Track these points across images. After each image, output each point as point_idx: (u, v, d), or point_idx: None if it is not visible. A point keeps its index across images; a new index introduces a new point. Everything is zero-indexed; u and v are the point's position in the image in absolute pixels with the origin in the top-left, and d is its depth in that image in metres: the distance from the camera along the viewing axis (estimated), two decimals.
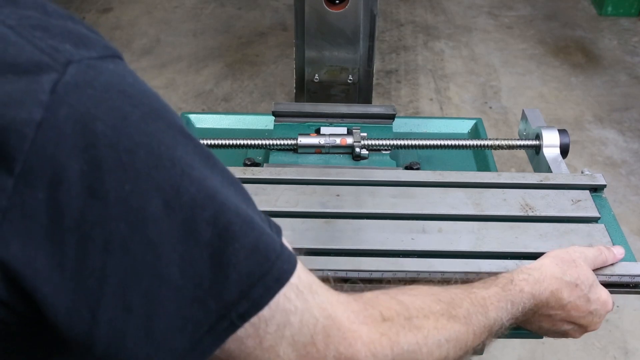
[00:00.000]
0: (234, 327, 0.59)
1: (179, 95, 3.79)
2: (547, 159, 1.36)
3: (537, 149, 1.40)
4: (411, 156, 1.62)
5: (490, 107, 3.72)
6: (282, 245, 0.64)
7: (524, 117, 1.50)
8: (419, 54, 4.21)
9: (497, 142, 1.43)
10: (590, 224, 1.18)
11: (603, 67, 4.07)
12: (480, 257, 1.09)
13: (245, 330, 0.60)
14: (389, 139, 1.41)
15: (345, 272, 1.05)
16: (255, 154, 1.47)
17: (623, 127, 3.58)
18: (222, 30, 4.48)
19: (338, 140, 1.39)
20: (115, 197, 0.54)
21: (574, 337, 1.03)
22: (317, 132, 1.44)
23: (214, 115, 1.66)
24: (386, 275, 1.05)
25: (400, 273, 1.05)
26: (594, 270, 1.03)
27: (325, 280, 1.04)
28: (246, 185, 1.15)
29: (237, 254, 0.59)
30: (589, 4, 4.74)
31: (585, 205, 1.21)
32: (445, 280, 1.03)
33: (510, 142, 1.43)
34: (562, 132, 1.39)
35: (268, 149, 1.41)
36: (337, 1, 1.45)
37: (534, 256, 1.03)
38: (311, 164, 1.38)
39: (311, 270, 0.98)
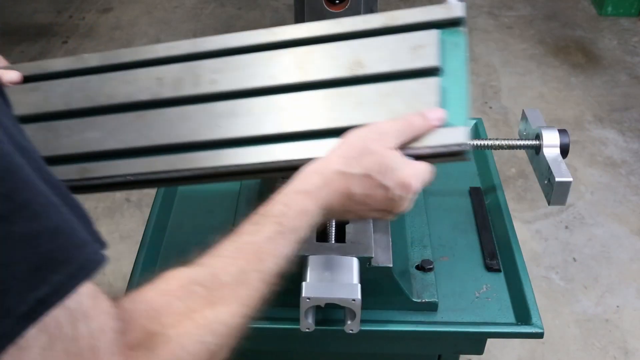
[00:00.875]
0: (34, 313, 0.56)
1: None
2: (547, 159, 1.36)
3: (537, 149, 1.40)
4: None
5: (490, 107, 3.72)
6: (93, 242, 0.61)
7: (524, 117, 1.50)
8: None
9: (497, 142, 1.42)
10: (420, 80, 0.98)
11: (603, 67, 4.06)
12: (286, 140, 0.97)
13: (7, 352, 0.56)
14: None
15: (133, 175, 0.97)
16: None
17: (623, 127, 3.58)
18: (222, 30, 4.47)
19: None
20: None
21: (387, 219, 0.98)
22: None
23: None
24: (184, 174, 0.97)
25: (197, 170, 0.97)
26: (405, 145, 0.92)
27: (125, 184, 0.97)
28: (75, 81, 1.06)
29: (37, 236, 0.56)
30: (589, 4, 4.73)
31: (426, 52, 0.99)
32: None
33: (510, 142, 1.43)
34: (562, 132, 1.39)
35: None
36: (337, 1, 1.45)
37: (339, 132, 0.93)
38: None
39: (113, 177, 0.95)
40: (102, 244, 0.63)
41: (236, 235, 0.80)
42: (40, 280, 0.56)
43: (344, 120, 0.96)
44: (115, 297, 0.67)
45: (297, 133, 0.98)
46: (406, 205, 0.94)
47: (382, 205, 0.91)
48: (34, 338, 0.56)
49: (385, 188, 0.89)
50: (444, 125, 0.94)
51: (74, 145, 1.01)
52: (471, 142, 0.95)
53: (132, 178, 0.97)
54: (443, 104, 0.96)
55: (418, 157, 0.93)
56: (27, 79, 1.09)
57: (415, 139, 0.93)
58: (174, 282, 0.73)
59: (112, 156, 0.99)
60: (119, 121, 1.03)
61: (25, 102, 0.97)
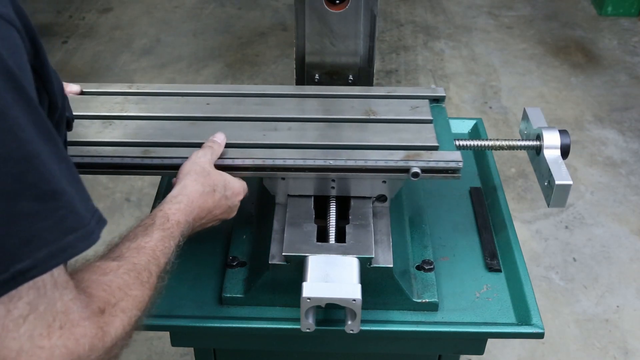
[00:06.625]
0: (12, 282, 0.67)
1: None
2: (548, 160, 1.36)
3: (538, 150, 1.40)
4: None
5: (490, 107, 3.72)
6: (87, 228, 0.74)
7: (525, 116, 1.49)
8: (419, 54, 4.21)
9: (497, 143, 1.42)
10: (421, 124, 1.36)
11: (603, 67, 4.06)
12: (319, 148, 1.28)
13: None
14: None
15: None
16: None
17: (623, 127, 3.58)
18: (222, 30, 4.47)
19: None
20: None
21: (215, 225, 1.19)
22: None
23: None
24: (237, 162, 1.23)
25: (248, 160, 1.24)
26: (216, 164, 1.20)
27: None
28: (130, 98, 1.46)
29: (33, 215, 0.68)
30: (589, 4, 4.73)
31: (422, 110, 1.40)
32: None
33: (511, 143, 1.43)
34: (562, 132, 1.39)
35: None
36: (337, 1, 1.45)
37: (365, 147, 1.28)
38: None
39: (172, 157, 1.22)
40: (98, 222, 0.76)
41: (133, 239, 0.97)
42: (24, 255, 0.68)
43: (366, 140, 1.31)
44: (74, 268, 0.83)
45: (329, 145, 1.29)
46: (235, 211, 1.21)
47: (223, 212, 1.17)
48: (25, 291, 0.69)
49: (227, 198, 1.16)
50: (441, 150, 1.29)
51: (137, 135, 1.30)
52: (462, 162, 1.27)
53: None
54: (439, 140, 1.31)
55: (425, 171, 1.24)
56: (83, 93, 1.43)
57: (415, 157, 1.25)
58: (113, 265, 0.88)
59: (172, 146, 1.28)
60: (174, 125, 1.33)
61: (93, 106, 1.36)
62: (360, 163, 1.24)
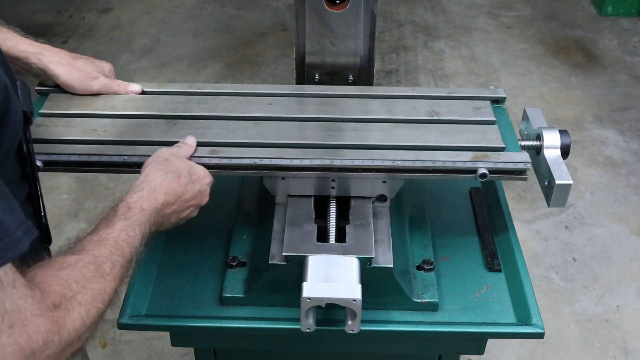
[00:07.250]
0: None
1: None
2: (548, 160, 1.36)
3: (538, 150, 1.40)
4: None
5: None
6: (12, 238, 0.74)
7: (525, 116, 1.49)
8: (419, 54, 4.21)
9: None
10: (485, 125, 1.36)
11: (603, 67, 4.06)
12: (387, 149, 1.28)
13: None
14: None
15: (269, 159, 1.24)
16: None
17: (623, 127, 3.58)
18: (222, 30, 4.47)
19: None
20: None
21: (193, 216, 1.18)
22: None
23: None
24: (305, 162, 1.24)
25: (317, 160, 1.24)
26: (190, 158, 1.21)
27: (253, 167, 1.24)
28: (192, 97, 1.34)
29: None
30: (589, 4, 4.73)
31: (484, 112, 1.41)
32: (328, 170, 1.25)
33: None
34: (563, 132, 1.39)
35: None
36: (337, 1, 1.45)
37: (432, 148, 1.28)
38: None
39: (241, 157, 1.23)
40: (26, 233, 0.77)
41: (96, 233, 0.96)
42: None
43: (432, 141, 1.31)
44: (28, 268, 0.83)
45: (396, 145, 1.29)
46: (207, 197, 1.19)
47: (194, 197, 1.15)
48: None
49: (193, 182, 1.15)
50: (507, 151, 1.30)
51: (204, 134, 1.29)
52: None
53: (257, 161, 1.24)
54: (504, 141, 1.32)
55: (493, 172, 1.26)
56: (144, 92, 1.46)
57: (483, 158, 1.26)
58: (67, 259, 0.88)
59: (239, 146, 1.28)
60: (239, 125, 1.34)
61: (156, 105, 1.40)
62: (429, 164, 1.25)
